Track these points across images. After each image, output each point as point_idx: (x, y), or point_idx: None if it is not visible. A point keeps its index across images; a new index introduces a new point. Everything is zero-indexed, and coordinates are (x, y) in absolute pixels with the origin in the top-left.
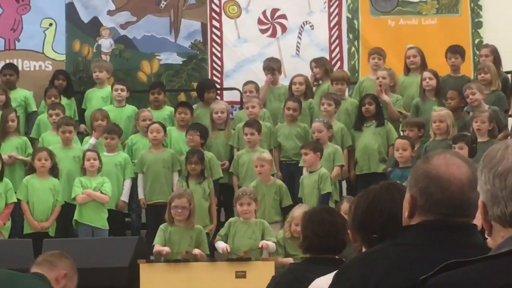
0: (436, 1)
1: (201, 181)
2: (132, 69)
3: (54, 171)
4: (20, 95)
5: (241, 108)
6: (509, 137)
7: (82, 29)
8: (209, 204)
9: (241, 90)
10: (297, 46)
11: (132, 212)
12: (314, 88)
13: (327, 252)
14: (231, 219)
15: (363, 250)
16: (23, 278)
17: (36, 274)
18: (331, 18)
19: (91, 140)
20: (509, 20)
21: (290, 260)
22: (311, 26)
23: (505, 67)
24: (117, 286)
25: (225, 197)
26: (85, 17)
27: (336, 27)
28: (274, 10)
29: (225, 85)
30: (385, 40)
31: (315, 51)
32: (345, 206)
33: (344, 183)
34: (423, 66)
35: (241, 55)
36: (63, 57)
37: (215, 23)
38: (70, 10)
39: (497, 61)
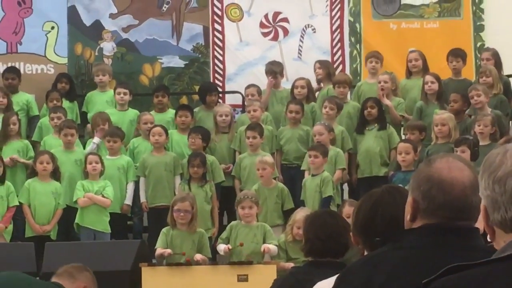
0: (438, 4)
1: (203, 184)
2: (134, 72)
3: (55, 174)
4: (22, 98)
5: (243, 111)
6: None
7: (84, 32)
8: (211, 208)
9: (243, 94)
10: (299, 50)
11: (134, 216)
12: (316, 93)
13: (329, 255)
14: (232, 223)
15: (365, 253)
16: (42, 285)
17: (55, 284)
18: (333, 21)
19: (94, 140)
20: (511, 24)
21: (291, 264)
22: (313, 30)
23: (507, 71)
24: None
25: (228, 200)
26: (87, 20)
27: (338, 30)
28: (276, 14)
29: (227, 89)
30: (387, 44)
31: (317, 54)
32: (347, 210)
33: (346, 186)
34: (425, 69)
35: (243, 58)
36: (65, 60)
37: (217, 26)
38: (72, 13)
39: (498, 64)
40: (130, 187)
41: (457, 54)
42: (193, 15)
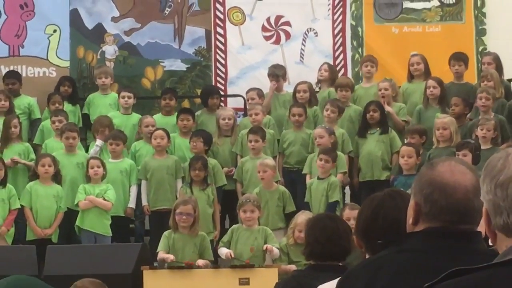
0: (440, 8)
1: (204, 187)
2: (136, 75)
3: (57, 177)
4: (24, 102)
5: (245, 115)
6: None
7: (86, 36)
8: (213, 211)
9: (245, 97)
10: (301, 53)
11: (135, 219)
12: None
13: (329, 258)
14: (234, 226)
15: (367, 256)
16: None
17: None
18: (335, 25)
19: (97, 142)
20: None
21: (293, 267)
22: (315, 33)
23: (509, 75)
24: None
25: (230, 204)
26: (89, 24)
27: (340, 34)
28: (278, 17)
29: (229, 92)
30: (389, 47)
31: (319, 58)
32: (347, 213)
33: (347, 190)
34: (426, 73)
35: (245, 62)
36: (67, 64)
37: (219, 30)
38: (74, 17)
39: (499, 68)
40: (134, 190)
41: (459, 58)
42: (195, 18)
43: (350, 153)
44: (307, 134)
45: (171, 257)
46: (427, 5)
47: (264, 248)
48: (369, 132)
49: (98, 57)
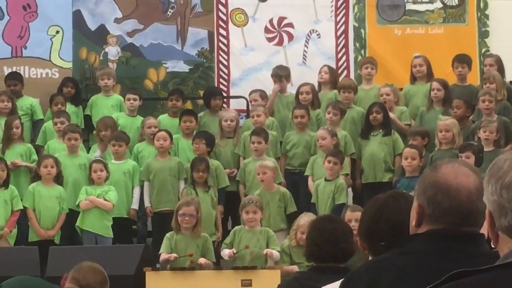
0: (443, 10)
1: (207, 189)
2: (139, 77)
3: (58, 178)
4: (26, 103)
5: (247, 116)
6: None
7: (89, 37)
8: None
9: (248, 99)
10: (303, 55)
11: (138, 220)
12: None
13: (328, 260)
14: (236, 227)
15: (370, 258)
16: None
17: None
18: (338, 26)
19: (96, 153)
20: None
21: (295, 268)
22: (318, 35)
23: (511, 77)
24: None
25: (232, 205)
26: (92, 25)
27: (343, 35)
28: (281, 19)
29: (231, 94)
30: (392, 49)
31: (322, 60)
32: (348, 215)
33: (350, 192)
34: (429, 75)
35: (247, 63)
36: (70, 65)
37: (222, 31)
38: (77, 18)
39: (501, 70)
40: (137, 191)
41: (462, 60)
42: (198, 20)
43: (352, 155)
44: (310, 136)
45: (173, 255)
46: (430, 7)
47: (264, 253)
48: (372, 133)
49: (101, 58)
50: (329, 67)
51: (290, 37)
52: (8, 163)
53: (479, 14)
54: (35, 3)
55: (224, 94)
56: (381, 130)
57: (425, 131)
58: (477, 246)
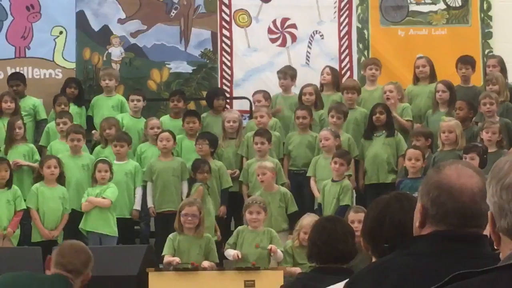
0: (446, 11)
1: (208, 191)
2: (142, 77)
3: (61, 179)
4: (28, 103)
5: (250, 117)
6: None
7: (92, 38)
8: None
9: (251, 100)
10: (307, 56)
11: (141, 221)
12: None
13: (329, 261)
14: (239, 228)
15: (374, 259)
16: (46, 280)
17: (60, 277)
18: (341, 27)
19: None
20: None
21: (298, 269)
22: (321, 36)
23: None
24: None
25: (235, 206)
26: (96, 26)
27: (346, 36)
28: (284, 20)
29: (234, 94)
30: (395, 50)
31: (325, 61)
32: (351, 216)
33: (353, 193)
34: (432, 76)
35: (251, 64)
36: (73, 65)
37: (225, 32)
38: (81, 18)
39: (503, 71)
40: (139, 192)
41: (466, 61)
42: (201, 20)
43: (356, 157)
44: (313, 137)
45: (176, 259)
46: (433, 8)
47: (269, 248)
48: (375, 134)
49: (104, 59)
50: (331, 68)
51: (294, 38)
52: (11, 162)
53: (482, 15)
54: (38, 3)
55: (227, 95)
56: (384, 131)
57: (429, 131)
58: (480, 247)
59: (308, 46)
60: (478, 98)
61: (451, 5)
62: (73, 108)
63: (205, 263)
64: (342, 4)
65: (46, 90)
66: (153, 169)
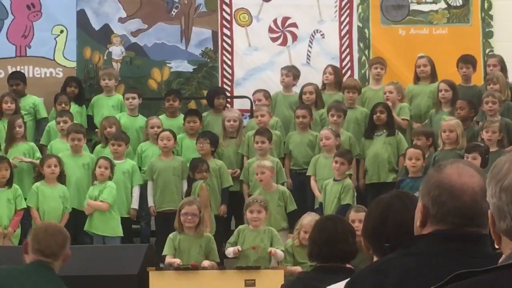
0: (447, 10)
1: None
2: (143, 76)
3: (61, 178)
4: (29, 102)
5: (251, 116)
6: None
7: (93, 36)
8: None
9: (251, 99)
10: (307, 55)
11: (141, 220)
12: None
13: (329, 260)
14: (240, 227)
15: (375, 258)
16: (25, 270)
17: (40, 263)
18: (342, 27)
19: None
20: None
21: (299, 268)
22: (321, 35)
23: None
24: None
25: (235, 205)
26: (96, 25)
27: (347, 36)
28: (285, 19)
29: (235, 93)
30: (396, 50)
31: (325, 60)
32: (352, 215)
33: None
34: (433, 75)
35: (251, 63)
36: (74, 64)
37: (226, 31)
38: (81, 17)
39: (504, 71)
40: (136, 191)
41: (467, 61)
42: (202, 19)
43: (357, 156)
44: (313, 136)
45: (177, 261)
46: (434, 7)
47: (268, 251)
48: (375, 133)
49: (105, 58)
50: (334, 68)
51: (294, 37)
52: (11, 159)
53: (483, 14)
54: (39, 2)
55: (228, 94)
56: (385, 130)
57: (430, 131)
58: (481, 247)
59: (309, 45)
60: (479, 97)
61: (451, 4)
62: (73, 107)
63: (205, 263)
64: (343, 3)
65: (46, 89)
66: (153, 168)
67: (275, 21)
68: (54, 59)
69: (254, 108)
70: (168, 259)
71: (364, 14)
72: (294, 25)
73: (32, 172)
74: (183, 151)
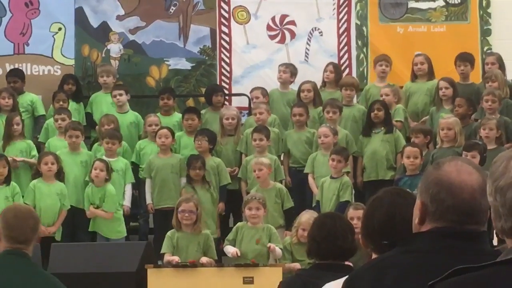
0: (445, 8)
1: (206, 186)
2: (141, 74)
3: (59, 175)
4: (26, 99)
5: (249, 114)
6: None
7: (91, 34)
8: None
9: (250, 96)
10: (306, 53)
11: (139, 217)
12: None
13: (328, 257)
14: (238, 224)
15: (374, 256)
16: (9, 266)
17: (20, 253)
18: (340, 24)
19: None
20: None
21: (297, 265)
22: (320, 33)
23: None
24: None
25: (233, 203)
26: (94, 22)
27: (345, 33)
28: (283, 16)
29: (233, 91)
30: (394, 47)
31: (324, 58)
32: (351, 213)
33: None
34: (430, 73)
35: (249, 61)
36: (72, 62)
37: (224, 28)
38: (79, 15)
39: (502, 69)
40: (128, 188)
41: (465, 59)
42: (200, 17)
43: (355, 153)
44: (310, 133)
45: (176, 259)
46: (432, 5)
47: (268, 246)
48: (373, 131)
49: (103, 55)
50: (334, 66)
51: (292, 34)
52: (10, 159)
53: (481, 12)
54: (37, 0)
55: (226, 92)
56: (382, 128)
57: (428, 129)
58: (479, 244)
59: (307, 43)
60: (478, 95)
61: (450, 2)
62: (71, 105)
63: (204, 260)
64: (341, 1)
65: (45, 87)
66: (152, 165)
67: (273, 18)
68: (52, 57)
69: (252, 105)
70: (167, 257)
71: (362, 11)
72: (292, 22)
73: (29, 169)
74: (181, 149)
